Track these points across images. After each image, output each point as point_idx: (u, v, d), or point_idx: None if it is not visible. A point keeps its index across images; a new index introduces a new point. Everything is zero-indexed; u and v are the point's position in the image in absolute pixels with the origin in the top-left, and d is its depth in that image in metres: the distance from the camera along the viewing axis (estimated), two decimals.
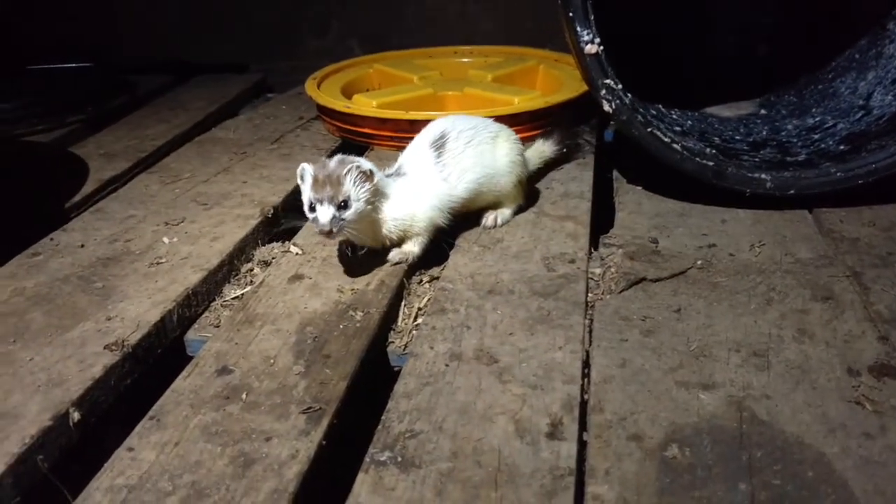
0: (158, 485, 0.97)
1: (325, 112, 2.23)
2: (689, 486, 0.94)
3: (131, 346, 1.26)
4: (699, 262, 1.45)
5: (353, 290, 1.41)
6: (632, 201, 1.73)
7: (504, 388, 1.13)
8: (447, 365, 1.19)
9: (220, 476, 0.99)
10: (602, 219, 1.70)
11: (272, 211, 1.75)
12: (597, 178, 1.89)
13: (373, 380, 1.25)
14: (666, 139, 1.61)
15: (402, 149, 1.62)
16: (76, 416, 1.12)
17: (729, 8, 2.35)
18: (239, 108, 2.67)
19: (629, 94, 1.63)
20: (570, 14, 1.56)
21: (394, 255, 1.49)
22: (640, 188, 1.79)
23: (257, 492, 0.96)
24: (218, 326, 1.37)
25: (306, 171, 1.38)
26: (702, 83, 2.29)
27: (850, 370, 1.14)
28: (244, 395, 1.14)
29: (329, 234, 1.34)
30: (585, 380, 1.16)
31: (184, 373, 1.20)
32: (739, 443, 1.01)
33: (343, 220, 1.34)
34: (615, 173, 1.89)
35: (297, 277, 1.47)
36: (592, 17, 1.55)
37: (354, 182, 1.36)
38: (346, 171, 1.35)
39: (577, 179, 1.85)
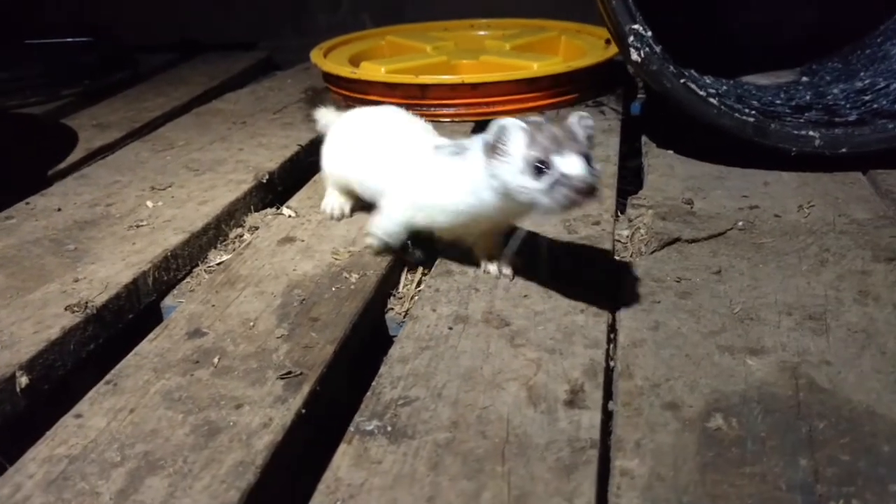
0: (105, 455, 0.83)
1: (330, 80, 2.09)
2: (738, 460, 0.78)
3: (96, 308, 1.11)
4: (740, 224, 1.28)
5: (349, 252, 1.26)
6: (663, 164, 1.56)
7: (516, 352, 0.97)
8: (451, 328, 1.03)
9: (178, 446, 0.84)
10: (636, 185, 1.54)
11: (267, 176, 1.60)
12: (624, 147, 1.73)
13: (371, 351, 1.10)
14: (701, 93, 1.45)
15: None
16: (24, 380, 0.97)
17: None
18: (243, 83, 2.53)
19: (659, 45, 1.47)
20: None
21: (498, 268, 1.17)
22: (671, 152, 1.62)
23: (219, 464, 0.80)
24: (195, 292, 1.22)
25: (511, 126, 0.96)
26: (737, 52, 2.11)
27: None
28: (216, 360, 0.99)
29: (593, 191, 0.91)
30: (611, 345, 0.99)
31: (151, 335, 1.05)
32: (797, 413, 0.84)
33: (596, 172, 0.93)
34: (644, 139, 1.72)
35: (289, 240, 1.32)
36: None
37: (588, 140, 0.97)
38: (578, 123, 0.97)
39: (602, 145, 1.68)
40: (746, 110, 1.54)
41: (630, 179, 1.57)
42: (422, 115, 1.85)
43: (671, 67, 1.44)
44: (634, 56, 1.42)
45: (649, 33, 1.44)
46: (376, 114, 1.37)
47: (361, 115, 1.38)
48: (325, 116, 1.48)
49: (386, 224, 1.21)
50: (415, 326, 1.04)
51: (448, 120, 1.87)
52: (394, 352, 0.98)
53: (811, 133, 1.44)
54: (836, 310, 1.03)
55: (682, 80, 1.43)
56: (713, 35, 2.10)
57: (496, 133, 0.97)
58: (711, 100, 1.45)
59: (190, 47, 2.87)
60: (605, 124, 1.80)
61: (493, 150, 0.97)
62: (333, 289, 1.15)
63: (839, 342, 0.96)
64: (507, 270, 1.16)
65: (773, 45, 2.12)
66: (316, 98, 1.51)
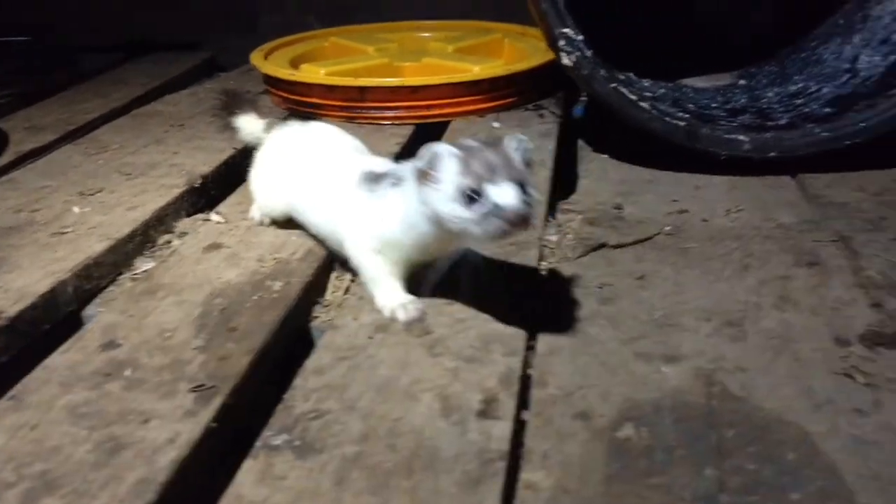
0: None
1: (270, 82, 2.06)
2: (644, 471, 0.78)
3: (9, 319, 1.08)
4: (668, 228, 1.29)
5: (275, 259, 1.24)
6: (597, 168, 1.57)
7: (434, 361, 0.96)
8: (371, 337, 1.02)
9: (78, 464, 0.81)
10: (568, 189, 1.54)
11: (200, 181, 1.57)
12: (561, 150, 1.72)
13: (296, 360, 1.08)
14: (633, 97, 1.45)
15: (352, 120, 1.43)
16: None
17: None
18: (185, 85, 2.48)
19: (591, 49, 1.47)
20: None
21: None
22: (606, 156, 1.63)
23: (120, 482, 0.78)
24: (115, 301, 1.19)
25: (443, 153, 0.93)
26: (678, 56, 2.13)
27: (838, 340, 0.98)
28: (128, 372, 0.96)
29: (526, 221, 0.89)
30: (530, 352, 0.99)
31: (63, 347, 1.02)
32: (708, 421, 0.84)
33: (531, 200, 0.91)
34: (580, 143, 1.73)
35: (215, 246, 1.30)
36: None
37: (526, 164, 0.95)
38: (515, 147, 0.95)
39: (538, 149, 1.67)
40: (680, 114, 1.55)
41: (564, 183, 1.57)
42: (362, 118, 1.87)
43: (602, 71, 1.44)
44: (565, 60, 1.42)
45: (580, 37, 1.44)
46: (302, 140, 1.31)
47: (289, 141, 1.32)
48: (249, 125, 1.44)
49: (379, 284, 1.09)
50: (334, 336, 1.02)
51: (388, 123, 1.86)
52: (309, 363, 0.97)
53: (741, 137, 1.46)
54: (755, 315, 1.04)
55: (613, 85, 1.44)
56: (661, 38, 2.12)
57: (428, 159, 0.94)
58: (643, 104, 1.45)
59: (134, 47, 2.81)
60: (544, 128, 1.80)
61: (424, 176, 0.94)
62: (255, 297, 1.13)
63: (755, 348, 0.97)
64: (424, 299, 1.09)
65: (717, 48, 2.14)
66: (233, 103, 1.47)
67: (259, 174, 1.35)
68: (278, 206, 1.30)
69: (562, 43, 1.41)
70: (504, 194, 0.88)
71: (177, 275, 1.21)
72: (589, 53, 1.44)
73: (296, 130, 1.35)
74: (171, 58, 2.70)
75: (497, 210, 0.88)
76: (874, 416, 0.84)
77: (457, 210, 0.91)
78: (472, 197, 0.90)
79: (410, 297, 1.07)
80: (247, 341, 1.02)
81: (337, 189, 1.13)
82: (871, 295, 1.08)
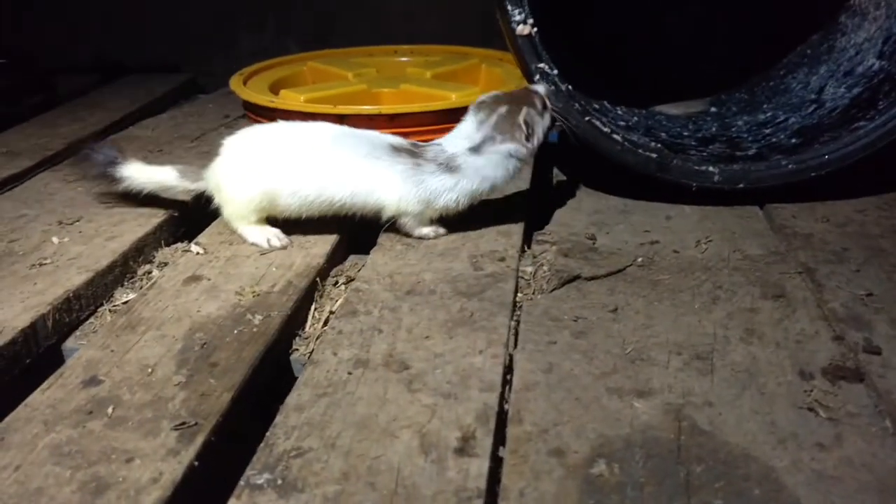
0: None
1: (249, 108, 2.08)
2: None
3: None
4: (640, 260, 1.32)
5: (254, 292, 1.26)
6: (571, 198, 1.60)
7: (413, 397, 0.98)
8: (350, 373, 1.04)
9: None
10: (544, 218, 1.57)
11: (179, 209, 1.58)
12: (538, 177, 1.76)
13: (275, 393, 1.10)
14: (606, 129, 1.49)
15: None
16: None
17: (680, 8, 2.24)
18: (164, 108, 2.49)
19: (566, 83, 1.51)
20: None
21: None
22: (580, 185, 1.66)
23: None
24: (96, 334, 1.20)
25: (529, 111, 1.37)
26: (653, 83, 2.18)
27: (802, 373, 1.01)
28: (110, 410, 0.97)
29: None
30: (507, 387, 1.02)
31: (44, 384, 1.03)
32: (677, 457, 0.87)
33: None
34: (555, 171, 1.76)
35: (195, 279, 1.31)
36: None
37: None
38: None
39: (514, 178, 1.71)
40: (653, 144, 1.59)
41: (540, 210, 1.60)
42: None
43: (577, 105, 1.48)
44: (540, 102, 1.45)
45: (555, 71, 1.47)
46: (300, 127, 1.45)
47: (286, 129, 1.44)
48: (142, 174, 1.51)
49: (417, 221, 1.41)
50: (314, 372, 1.04)
51: None
52: (290, 400, 0.99)
53: (711, 169, 1.50)
54: (722, 349, 1.07)
55: (587, 118, 1.47)
56: (635, 64, 2.17)
57: (525, 118, 1.36)
58: (615, 136, 1.49)
59: (113, 69, 2.81)
60: None
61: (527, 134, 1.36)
62: (236, 331, 1.15)
63: (722, 382, 1.00)
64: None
65: (690, 75, 2.19)
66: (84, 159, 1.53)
67: (252, 172, 1.39)
68: (283, 197, 1.38)
69: (537, 77, 1.44)
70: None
71: (156, 308, 1.22)
72: (564, 87, 1.48)
73: (279, 127, 1.46)
74: (151, 80, 2.71)
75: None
76: (835, 450, 0.88)
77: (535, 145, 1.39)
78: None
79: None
80: (228, 377, 1.04)
81: (380, 169, 1.37)
82: (833, 328, 1.12)
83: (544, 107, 1.39)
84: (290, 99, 2.00)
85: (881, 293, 1.20)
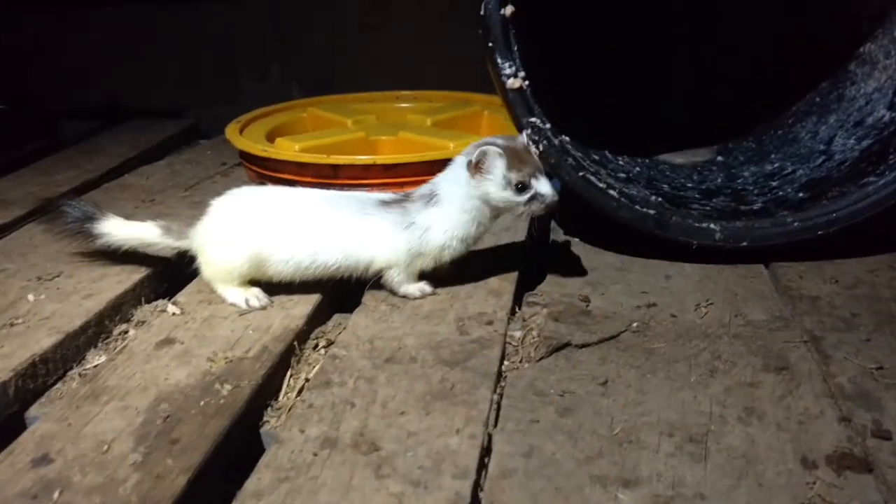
0: None
1: (244, 156, 2.04)
2: None
3: None
4: (635, 325, 1.25)
5: (227, 358, 1.20)
6: (567, 253, 1.53)
7: (380, 484, 0.91)
8: (315, 454, 0.97)
9: None
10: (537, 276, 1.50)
11: (160, 266, 1.53)
12: (536, 228, 1.69)
13: (245, 465, 1.03)
14: (601, 185, 1.43)
15: None
16: None
17: (687, 52, 2.18)
18: (164, 154, 2.47)
19: (560, 135, 1.45)
20: (490, 44, 1.38)
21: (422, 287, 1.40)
22: (577, 240, 1.59)
23: None
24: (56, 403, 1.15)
25: (491, 150, 1.26)
26: (657, 130, 2.12)
27: (804, 460, 0.93)
28: (56, 495, 0.91)
29: (556, 206, 1.29)
30: (484, 472, 0.94)
31: None
32: None
33: (556, 187, 1.31)
34: (553, 224, 1.70)
35: (167, 342, 1.25)
36: (516, 48, 1.38)
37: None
38: (527, 141, 1.35)
39: (510, 230, 1.65)
40: (653, 198, 1.52)
41: (536, 265, 1.53)
42: None
43: (570, 160, 1.42)
44: (533, 148, 1.40)
45: (548, 125, 1.42)
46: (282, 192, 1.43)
47: (275, 194, 1.42)
48: (121, 230, 1.47)
49: (405, 276, 1.36)
50: (277, 452, 0.98)
51: None
52: (249, 485, 0.92)
53: (713, 226, 1.43)
54: (718, 430, 0.99)
55: (580, 174, 1.41)
56: (642, 111, 2.11)
57: (478, 157, 1.26)
58: (612, 191, 1.43)
59: (116, 114, 2.80)
60: None
61: (477, 169, 1.27)
62: (202, 403, 1.09)
63: (717, 470, 0.92)
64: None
65: (696, 123, 2.13)
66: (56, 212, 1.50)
67: (239, 237, 1.34)
68: (275, 263, 1.34)
69: (529, 132, 1.39)
70: (543, 186, 1.27)
71: (123, 375, 1.16)
72: (556, 141, 1.42)
73: (267, 191, 1.46)
74: (153, 126, 2.69)
75: (541, 197, 1.27)
76: None
77: (511, 196, 1.28)
78: (519, 186, 1.27)
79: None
80: (186, 456, 0.97)
81: (371, 222, 1.33)
82: (840, 406, 1.04)
83: (527, 152, 1.31)
84: (285, 147, 1.96)
85: (892, 366, 1.12)
